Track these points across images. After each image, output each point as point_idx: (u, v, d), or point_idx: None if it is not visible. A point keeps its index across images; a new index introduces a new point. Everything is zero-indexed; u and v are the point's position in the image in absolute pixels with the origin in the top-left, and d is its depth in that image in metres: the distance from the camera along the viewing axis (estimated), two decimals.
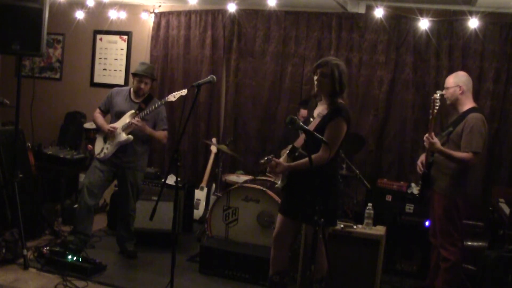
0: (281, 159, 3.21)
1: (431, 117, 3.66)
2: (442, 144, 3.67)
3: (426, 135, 3.67)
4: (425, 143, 3.69)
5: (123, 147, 4.31)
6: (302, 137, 3.15)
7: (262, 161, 3.15)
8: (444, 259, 3.71)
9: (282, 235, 3.30)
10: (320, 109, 3.19)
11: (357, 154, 5.20)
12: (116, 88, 4.57)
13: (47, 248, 4.16)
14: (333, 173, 3.20)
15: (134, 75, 4.38)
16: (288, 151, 3.26)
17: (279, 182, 3.31)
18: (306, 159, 2.94)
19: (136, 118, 4.19)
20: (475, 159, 3.56)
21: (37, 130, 5.21)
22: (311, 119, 3.21)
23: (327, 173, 3.11)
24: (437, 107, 3.63)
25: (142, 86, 4.33)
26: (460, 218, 3.72)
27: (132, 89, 4.44)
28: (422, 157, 3.89)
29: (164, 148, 6.06)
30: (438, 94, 3.66)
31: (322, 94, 3.19)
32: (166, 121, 4.49)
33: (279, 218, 3.33)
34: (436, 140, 3.62)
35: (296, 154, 3.18)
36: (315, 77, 3.16)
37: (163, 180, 4.29)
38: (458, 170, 3.64)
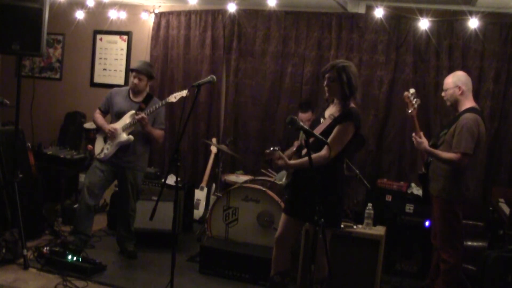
0: (289, 153, 3.22)
1: (410, 116, 3.57)
2: (439, 145, 3.63)
3: (413, 134, 3.60)
4: (414, 143, 3.63)
5: (123, 147, 4.31)
6: None
7: (268, 151, 3.14)
8: (443, 261, 3.65)
9: (285, 235, 3.30)
10: (332, 111, 3.18)
11: (357, 154, 5.20)
12: (115, 88, 4.59)
13: (47, 248, 4.16)
14: (338, 176, 3.19)
15: (131, 70, 4.44)
16: (295, 149, 3.26)
17: (283, 180, 3.30)
18: (306, 158, 2.94)
19: (143, 114, 4.19)
20: (465, 160, 3.43)
21: (37, 130, 5.22)
22: (322, 120, 3.20)
23: (332, 175, 3.11)
24: (415, 105, 3.53)
25: (136, 81, 4.34)
26: (458, 221, 3.61)
27: (130, 89, 4.45)
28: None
29: (164, 148, 6.06)
30: (411, 92, 3.56)
31: (335, 98, 3.18)
32: (164, 122, 4.50)
33: (282, 218, 3.33)
34: (423, 139, 3.55)
35: (303, 153, 3.18)
36: (324, 83, 3.17)
37: (163, 180, 4.29)
38: (453, 171, 3.52)
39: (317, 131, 3.10)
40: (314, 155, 2.96)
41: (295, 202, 3.25)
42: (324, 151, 3.01)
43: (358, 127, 3.12)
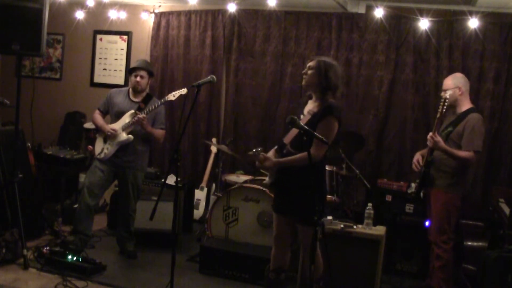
0: (270, 154, 3.21)
1: (438, 115, 3.68)
2: None
3: (430, 133, 3.71)
4: (428, 142, 3.72)
5: (123, 147, 4.31)
6: (291, 133, 3.17)
7: (250, 152, 3.14)
8: (437, 257, 3.79)
9: (281, 235, 3.31)
10: (311, 107, 3.20)
11: (357, 154, 5.20)
12: (114, 89, 4.60)
13: (47, 248, 4.16)
14: (319, 173, 3.18)
15: (131, 70, 4.43)
16: (276, 147, 3.27)
17: (267, 179, 3.30)
18: (296, 156, 3.03)
19: (142, 114, 4.19)
20: (476, 157, 3.69)
21: (37, 130, 5.21)
22: (302, 116, 3.20)
23: (314, 173, 3.08)
24: (446, 107, 3.65)
25: (138, 79, 4.34)
26: (456, 216, 3.81)
27: (130, 89, 4.45)
28: (418, 156, 3.95)
29: (164, 148, 6.06)
30: (448, 94, 3.70)
31: (310, 88, 3.19)
32: (165, 121, 4.50)
33: (274, 217, 3.35)
34: (440, 138, 3.68)
35: (284, 151, 3.17)
36: (303, 71, 3.21)
37: (163, 180, 4.29)
38: (458, 168, 3.72)
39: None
40: (300, 154, 3.00)
41: (281, 199, 3.25)
42: (314, 150, 2.99)
43: (340, 121, 3.12)
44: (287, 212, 3.23)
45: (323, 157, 3.15)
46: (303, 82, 3.20)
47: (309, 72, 3.15)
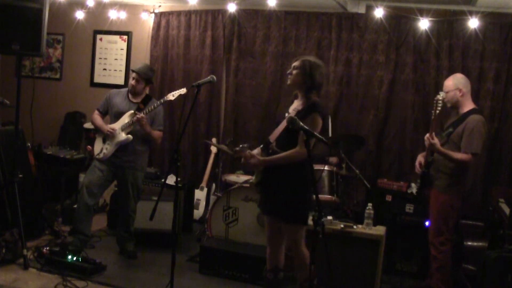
0: (255, 152, 3.22)
1: (433, 117, 3.69)
2: (442, 144, 3.72)
3: (427, 135, 3.70)
4: (425, 143, 3.72)
5: (122, 147, 4.31)
6: (277, 131, 3.19)
7: (237, 148, 3.14)
8: (434, 258, 3.80)
9: (273, 235, 3.31)
10: (295, 105, 3.23)
11: (357, 154, 5.20)
12: (114, 90, 4.62)
13: (47, 248, 4.16)
14: (305, 172, 3.16)
15: (131, 70, 4.48)
16: (262, 145, 3.26)
17: (253, 178, 3.29)
18: (282, 154, 3.05)
19: (141, 114, 4.19)
20: (474, 160, 3.65)
21: (37, 130, 5.21)
22: (286, 114, 3.21)
23: (300, 171, 3.09)
24: (440, 108, 3.65)
25: (133, 82, 4.37)
26: (455, 218, 3.79)
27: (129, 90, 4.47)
28: (420, 158, 3.94)
29: (164, 148, 6.06)
30: (441, 95, 3.69)
31: (295, 87, 3.22)
32: (163, 122, 4.50)
33: (265, 218, 3.35)
34: (436, 140, 3.66)
35: (270, 151, 3.17)
36: (288, 71, 3.23)
37: (163, 180, 4.29)
38: (457, 169, 3.70)
39: (282, 126, 3.13)
40: (289, 152, 3.03)
41: (266, 199, 3.25)
42: (298, 147, 3.02)
43: (324, 118, 3.15)
44: (271, 212, 3.24)
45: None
46: (288, 82, 3.22)
47: (294, 72, 3.17)
